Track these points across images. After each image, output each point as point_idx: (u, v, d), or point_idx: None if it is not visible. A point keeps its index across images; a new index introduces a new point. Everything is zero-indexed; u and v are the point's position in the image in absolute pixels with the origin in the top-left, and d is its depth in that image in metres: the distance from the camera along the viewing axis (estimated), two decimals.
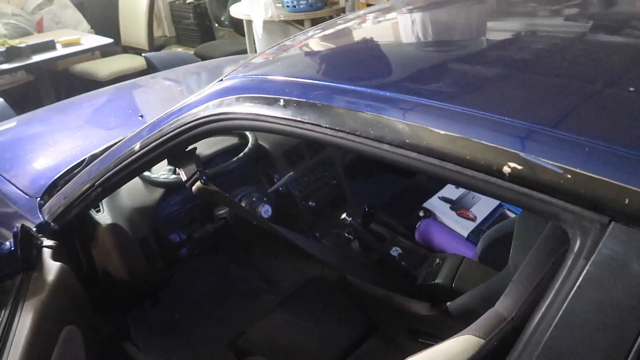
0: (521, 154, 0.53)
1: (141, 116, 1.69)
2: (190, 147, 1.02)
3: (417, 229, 1.65)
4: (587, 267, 0.49)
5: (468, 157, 0.57)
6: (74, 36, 3.43)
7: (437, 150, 0.59)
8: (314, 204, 1.67)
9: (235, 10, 3.56)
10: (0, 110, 2.22)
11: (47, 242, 1.14)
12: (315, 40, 1.08)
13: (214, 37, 5.17)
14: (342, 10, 3.25)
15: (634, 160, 0.48)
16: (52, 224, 1.21)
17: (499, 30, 0.98)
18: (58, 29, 3.96)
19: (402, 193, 1.95)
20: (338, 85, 0.74)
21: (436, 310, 1.27)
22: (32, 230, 1.13)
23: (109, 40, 3.49)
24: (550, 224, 0.72)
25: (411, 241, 1.63)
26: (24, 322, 0.96)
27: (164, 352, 1.56)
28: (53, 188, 1.33)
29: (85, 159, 1.38)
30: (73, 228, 1.26)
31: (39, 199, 1.32)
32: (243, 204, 1.41)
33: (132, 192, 1.39)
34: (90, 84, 3.42)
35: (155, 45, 4.00)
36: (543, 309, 0.53)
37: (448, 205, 1.69)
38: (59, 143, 1.67)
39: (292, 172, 1.54)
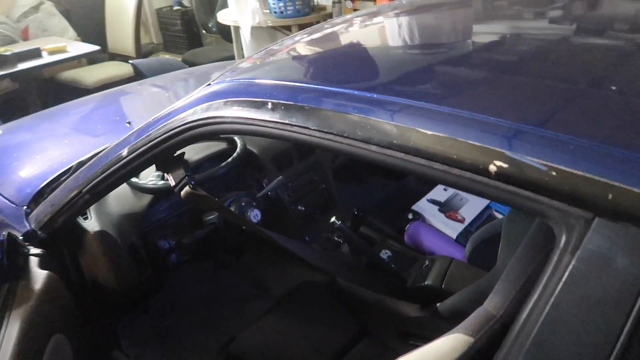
0: (507, 152, 0.54)
1: (129, 123, 1.68)
2: (178, 152, 1.02)
3: (406, 232, 1.65)
4: (572, 263, 0.49)
5: (455, 157, 0.57)
6: (60, 44, 3.41)
7: (425, 151, 0.60)
8: (303, 208, 1.67)
9: (222, 17, 3.56)
10: None
11: (34, 250, 1.13)
12: (302, 44, 1.08)
13: (201, 44, 5.17)
14: (330, 16, 3.27)
15: (616, 156, 0.49)
16: (39, 232, 1.19)
17: (484, 33, 0.99)
18: (44, 36, 3.93)
19: (391, 196, 1.96)
20: (325, 87, 0.74)
21: (426, 312, 1.28)
22: (19, 238, 1.11)
23: (96, 48, 3.47)
24: (536, 222, 0.73)
25: (400, 244, 1.63)
26: (11, 332, 0.95)
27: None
28: (40, 196, 1.32)
29: (72, 166, 1.38)
30: (60, 236, 1.25)
31: (25, 207, 1.31)
32: (232, 209, 1.41)
33: (120, 198, 1.38)
34: (77, 91, 3.40)
35: (142, 52, 3.98)
36: (530, 306, 0.54)
37: (437, 208, 1.70)
38: (45, 151, 1.66)
39: (281, 177, 1.54)
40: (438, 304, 1.23)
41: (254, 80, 0.86)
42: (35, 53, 3.22)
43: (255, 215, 1.41)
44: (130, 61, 3.07)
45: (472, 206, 1.70)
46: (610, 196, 0.48)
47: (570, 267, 0.49)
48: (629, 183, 0.47)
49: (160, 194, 1.39)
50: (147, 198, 1.39)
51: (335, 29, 1.16)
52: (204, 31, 4.99)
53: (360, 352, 1.34)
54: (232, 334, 1.45)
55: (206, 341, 1.59)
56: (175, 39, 5.28)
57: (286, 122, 0.73)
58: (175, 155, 1.02)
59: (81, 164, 1.29)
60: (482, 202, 1.71)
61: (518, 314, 0.57)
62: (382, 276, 1.44)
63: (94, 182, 1.06)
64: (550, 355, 0.51)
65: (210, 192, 1.10)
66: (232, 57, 3.79)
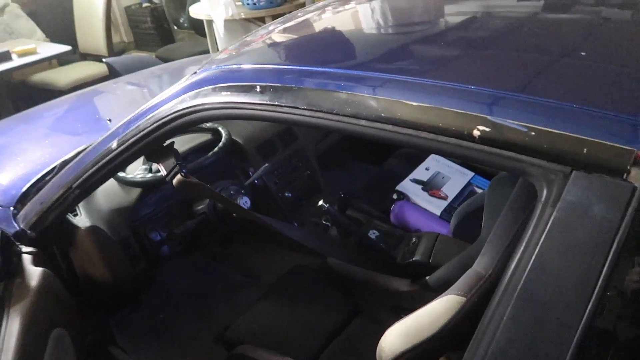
0: (489, 117, 0.58)
1: (109, 120, 1.68)
2: (167, 142, 1.04)
3: (391, 212, 1.69)
4: (554, 214, 0.53)
5: (440, 125, 0.61)
6: (30, 45, 3.34)
7: (412, 121, 0.63)
8: (290, 195, 1.70)
9: (195, 11, 3.53)
10: None
11: (26, 249, 1.14)
12: (283, 29, 1.10)
13: (173, 40, 5.10)
14: (303, 6, 3.28)
15: (588, 114, 0.54)
16: (29, 231, 1.19)
17: (458, 11, 1.03)
18: (11, 39, 3.84)
19: (374, 179, 2.00)
20: (312, 68, 0.77)
21: (416, 286, 1.32)
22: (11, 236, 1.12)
23: (67, 48, 3.41)
24: (518, 185, 0.78)
25: (387, 224, 1.67)
26: (12, 328, 0.96)
27: (151, 353, 1.56)
28: (25, 197, 1.31)
29: (56, 165, 1.37)
30: (51, 234, 1.25)
31: (12, 208, 1.30)
32: None
33: (109, 194, 1.38)
34: (50, 94, 3.33)
35: (114, 51, 3.93)
36: (516, 259, 0.58)
37: (420, 187, 1.74)
38: (26, 152, 1.64)
39: (267, 164, 1.56)
40: (427, 277, 1.28)
41: (241, 66, 0.88)
42: (5, 56, 3.15)
43: (244, 202, 1.44)
44: (104, 60, 3.02)
45: (454, 183, 1.75)
46: (585, 150, 0.52)
47: (552, 218, 0.53)
48: (601, 137, 0.52)
49: (148, 187, 1.40)
50: (135, 192, 1.40)
51: (314, 14, 1.19)
52: (175, 27, 4.93)
53: (355, 329, 1.38)
54: (226, 323, 1.47)
55: (200, 332, 1.62)
56: (146, 37, 5.21)
57: (275, 103, 0.76)
58: (164, 145, 1.03)
59: (65, 162, 1.29)
60: (464, 179, 1.77)
61: (505, 269, 0.61)
62: (372, 254, 1.48)
63: (84, 176, 1.07)
64: (536, 302, 0.55)
65: None
66: (206, 52, 3.77)
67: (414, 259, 1.39)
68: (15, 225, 1.23)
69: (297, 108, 0.73)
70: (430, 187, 1.74)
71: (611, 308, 0.50)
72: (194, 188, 1.05)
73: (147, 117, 0.95)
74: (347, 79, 0.72)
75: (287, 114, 0.75)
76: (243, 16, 3.22)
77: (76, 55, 3.88)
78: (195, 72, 0.94)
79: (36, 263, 1.10)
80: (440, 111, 0.61)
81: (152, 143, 0.97)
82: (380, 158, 2.08)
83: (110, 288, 1.34)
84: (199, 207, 1.45)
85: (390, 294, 1.38)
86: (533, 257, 0.55)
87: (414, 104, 0.63)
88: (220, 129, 1.56)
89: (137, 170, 1.41)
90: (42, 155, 1.56)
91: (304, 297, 1.48)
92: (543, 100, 0.57)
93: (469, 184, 1.75)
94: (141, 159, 1.43)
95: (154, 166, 1.41)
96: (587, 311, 0.50)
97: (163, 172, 1.03)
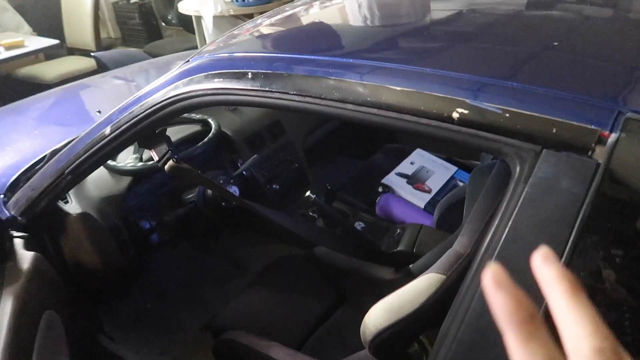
0: (467, 100, 0.62)
1: (99, 111, 1.69)
2: (159, 129, 1.06)
3: (377, 204, 1.74)
4: (526, 189, 0.58)
5: (422, 108, 0.65)
6: (18, 39, 3.32)
7: (395, 105, 0.67)
8: (277, 187, 1.73)
9: (184, 7, 3.54)
10: None
11: (17, 233, 1.15)
12: (273, 21, 1.14)
13: (161, 37, 5.10)
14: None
15: (558, 97, 0.58)
16: (20, 218, 1.21)
17: (441, 4, 1.07)
18: None
19: (361, 173, 2.04)
20: (302, 56, 0.80)
21: (400, 274, 1.36)
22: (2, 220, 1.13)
23: (55, 42, 3.40)
24: (494, 171, 0.82)
25: (373, 216, 1.72)
26: (4, 309, 0.98)
27: (139, 342, 1.58)
28: (15, 185, 1.33)
29: (46, 155, 1.39)
30: (41, 221, 1.27)
31: (2, 195, 1.31)
32: None
33: (99, 182, 1.40)
34: (37, 87, 3.31)
35: (102, 47, 3.91)
36: (491, 234, 0.62)
37: (405, 180, 1.79)
38: (16, 142, 1.65)
39: (256, 155, 1.59)
40: (410, 266, 1.32)
41: (233, 54, 0.91)
42: None
43: (233, 191, 1.46)
44: (92, 54, 3.02)
45: (438, 177, 1.80)
46: (554, 130, 0.56)
47: (524, 193, 0.58)
48: (569, 118, 0.56)
49: (139, 176, 1.42)
50: (126, 180, 1.42)
51: (300, 7, 1.22)
52: (163, 23, 4.93)
53: (340, 316, 1.41)
54: (214, 312, 1.49)
55: (189, 321, 1.64)
56: (133, 33, 5.20)
57: (266, 89, 0.79)
58: (157, 131, 1.06)
59: (55, 152, 1.31)
60: (447, 173, 1.82)
61: (481, 244, 0.65)
62: (358, 243, 1.52)
63: (76, 162, 1.09)
64: (509, 270, 0.59)
65: None
66: (195, 48, 3.78)
67: (398, 248, 1.43)
68: (6, 212, 1.25)
69: (287, 93, 0.77)
70: (415, 180, 1.79)
71: (578, 274, 0.54)
72: (185, 173, 1.08)
73: (141, 104, 0.97)
74: (335, 66, 0.75)
75: (278, 100, 0.78)
76: (232, 13, 3.24)
77: (63, 49, 3.86)
78: (188, 61, 0.97)
79: (28, 247, 1.12)
80: (422, 95, 0.65)
81: (145, 129, 0.99)
82: (366, 152, 2.13)
83: (99, 275, 1.36)
84: (189, 196, 1.47)
85: (375, 282, 1.42)
86: (507, 229, 0.59)
87: (398, 88, 0.67)
88: (210, 120, 1.59)
89: (127, 159, 1.43)
90: (31, 145, 1.57)
91: (291, 285, 1.51)
92: (517, 84, 0.61)
93: (452, 177, 1.80)
94: (132, 148, 1.45)
95: (145, 155, 1.43)
96: None
97: (155, 158, 1.05)
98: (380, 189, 1.78)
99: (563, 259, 0.55)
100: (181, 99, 0.91)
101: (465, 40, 0.82)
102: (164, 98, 0.93)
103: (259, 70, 0.81)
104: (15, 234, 1.15)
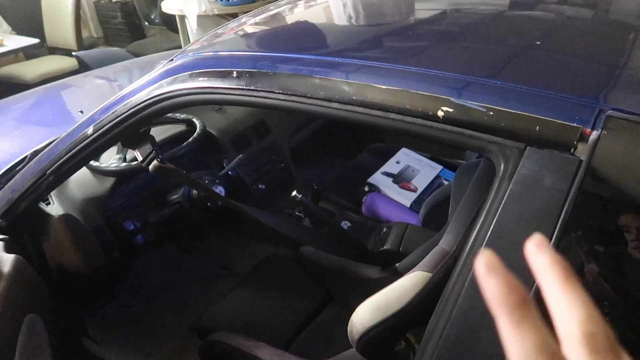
0: (452, 99, 0.62)
1: (81, 111, 1.67)
2: (143, 129, 1.05)
3: (363, 203, 1.74)
4: (510, 186, 0.58)
5: (407, 106, 0.65)
6: None
7: (381, 103, 0.67)
8: (263, 187, 1.72)
9: (167, 6, 3.51)
10: None
11: None
12: (257, 20, 1.13)
13: (144, 36, 5.05)
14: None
15: (540, 96, 0.59)
16: (0, 220, 1.19)
17: (426, 4, 1.08)
18: None
19: (346, 173, 2.04)
20: (287, 55, 0.80)
21: (386, 273, 1.37)
22: None
23: (35, 41, 3.34)
24: (479, 169, 0.83)
25: (359, 215, 1.72)
26: None
27: (125, 345, 1.56)
28: None
29: (26, 155, 1.36)
30: (22, 223, 1.24)
31: None
32: None
33: (82, 183, 1.38)
34: (17, 87, 3.26)
35: (83, 46, 3.86)
36: (476, 230, 0.63)
37: (390, 179, 1.79)
38: None
39: (241, 155, 1.58)
40: (397, 264, 1.33)
41: (217, 53, 0.91)
42: None
43: (219, 191, 1.45)
44: (74, 53, 2.98)
45: (424, 176, 1.81)
46: (537, 128, 0.57)
47: (508, 190, 0.58)
48: (552, 116, 0.57)
49: (123, 176, 1.40)
50: (109, 181, 1.40)
51: (284, 7, 1.22)
52: (146, 23, 4.89)
53: (328, 316, 1.41)
54: (200, 314, 1.48)
55: (175, 323, 1.62)
56: (116, 32, 5.14)
57: (252, 88, 0.79)
58: (141, 131, 1.04)
59: (36, 152, 1.28)
60: (433, 172, 1.83)
61: (466, 242, 0.66)
62: (344, 242, 1.52)
63: (58, 163, 1.07)
64: None
65: None
66: (178, 47, 3.75)
67: (384, 247, 1.44)
68: None
69: (273, 92, 0.77)
70: (401, 179, 1.80)
71: None
72: (170, 174, 1.07)
73: (124, 103, 0.96)
74: (320, 65, 0.75)
75: (263, 98, 0.78)
76: (216, 12, 3.22)
77: (44, 48, 3.80)
78: (172, 59, 0.96)
79: (8, 250, 1.10)
80: (407, 93, 0.65)
81: (128, 129, 0.98)
82: (352, 152, 2.13)
83: (83, 277, 1.34)
84: (174, 197, 1.46)
85: (361, 281, 1.42)
86: (492, 226, 0.60)
87: (383, 87, 0.67)
88: (195, 120, 1.57)
89: (111, 159, 1.41)
90: (11, 146, 1.54)
91: (278, 285, 1.50)
92: (501, 83, 0.62)
93: (437, 176, 1.81)
94: (115, 148, 1.43)
95: (128, 155, 1.41)
96: None
97: (139, 158, 1.04)
98: (366, 188, 1.78)
99: None
100: (165, 98, 0.90)
101: (450, 39, 0.82)
102: (148, 97, 0.92)
103: (244, 69, 0.81)
104: None
